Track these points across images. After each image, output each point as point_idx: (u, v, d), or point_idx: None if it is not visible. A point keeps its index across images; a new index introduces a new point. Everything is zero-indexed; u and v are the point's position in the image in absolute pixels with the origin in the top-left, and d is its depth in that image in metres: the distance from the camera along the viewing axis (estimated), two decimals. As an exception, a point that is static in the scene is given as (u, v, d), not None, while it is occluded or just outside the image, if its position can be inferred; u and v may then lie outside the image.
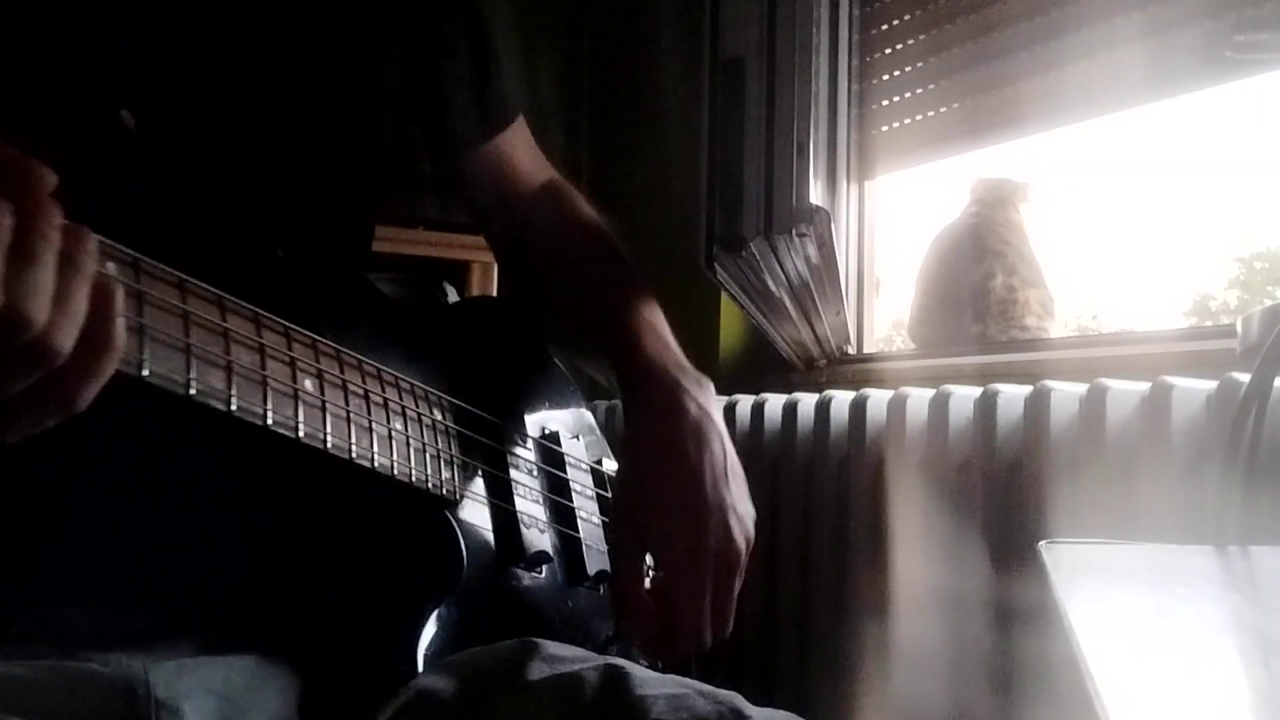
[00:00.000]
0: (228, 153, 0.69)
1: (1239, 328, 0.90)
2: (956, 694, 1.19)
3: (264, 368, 0.60)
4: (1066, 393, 1.19)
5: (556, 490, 0.90)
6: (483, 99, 0.95)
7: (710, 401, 0.86)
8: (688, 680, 0.68)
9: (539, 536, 0.84)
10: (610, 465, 0.99)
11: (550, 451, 0.92)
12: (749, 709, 0.66)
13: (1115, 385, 1.14)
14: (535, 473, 0.88)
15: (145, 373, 0.52)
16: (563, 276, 0.96)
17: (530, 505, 0.85)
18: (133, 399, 0.51)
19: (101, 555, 0.63)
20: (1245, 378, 0.85)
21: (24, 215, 0.44)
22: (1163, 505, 1.05)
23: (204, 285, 0.58)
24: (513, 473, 0.85)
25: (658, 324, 0.90)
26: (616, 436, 0.94)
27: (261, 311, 0.62)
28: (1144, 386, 1.12)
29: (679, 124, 1.92)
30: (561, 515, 0.89)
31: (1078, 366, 1.34)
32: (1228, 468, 0.84)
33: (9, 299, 0.43)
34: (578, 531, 0.89)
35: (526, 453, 0.88)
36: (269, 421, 0.60)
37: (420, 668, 0.69)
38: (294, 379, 0.63)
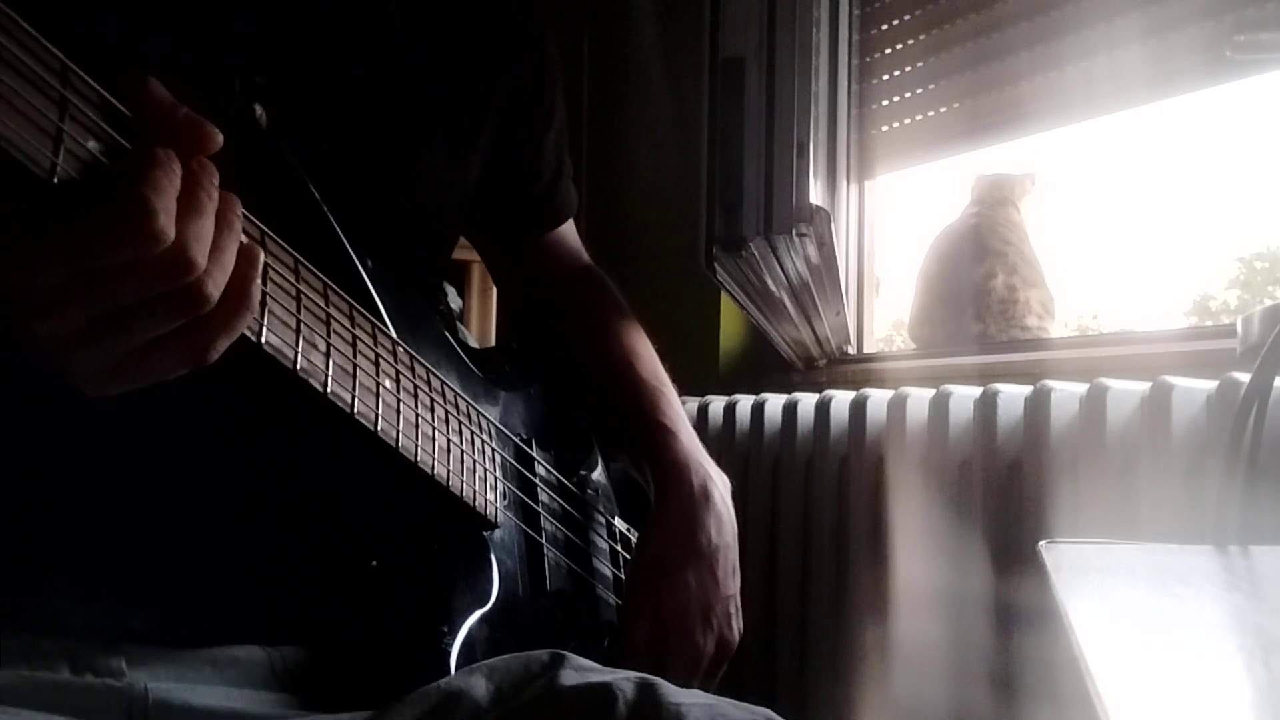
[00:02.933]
0: (340, 161, 0.72)
1: (1239, 328, 0.90)
2: (956, 694, 1.19)
3: (354, 358, 0.62)
4: (1067, 393, 1.19)
5: (577, 534, 0.91)
6: (555, 193, 1.00)
7: (729, 499, 0.93)
8: (716, 695, 0.68)
9: (560, 575, 0.86)
10: (621, 523, 1.01)
11: (574, 496, 0.93)
12: None
13: (1115, 385, 1.14)
14: (560, 514, 0.90)
15: (263, 339, 0.55)
16: (601, 362, 0.99)
17: (554, 543, 0.87)
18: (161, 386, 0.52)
19: (115, 550, 0.63)
20: (1245, 378, 0.85)
21: (191, 170, 0.49)
22: (1163, 505, 1.05)
23: (313, 269, 0.60)
24: (542, 508, 0.86)
25: (685, 416, 0.95)
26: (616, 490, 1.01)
27: (356, 305, 0.64)
28: (1144, 386, 1.12)
29: (679, 124, 1.92)
30: (579, 559, 0.90)
31: (1078, 366, 1.34)
32: (1228, 467, 0.84)
33: (178, 242, 0.47)
34: (592, 576, 0.91)
35: (555, 492, 0.90)
36: (355, 410, 0.61)
37: (453, 673, 0.69)
38: (377, 374, 0.64)
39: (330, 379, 0.59)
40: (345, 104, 0.75)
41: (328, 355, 0.59)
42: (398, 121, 0.79)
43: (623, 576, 0.97)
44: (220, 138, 0.50)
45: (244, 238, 0.53)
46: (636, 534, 1.03)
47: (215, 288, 0.49)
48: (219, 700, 0.64)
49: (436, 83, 0.82)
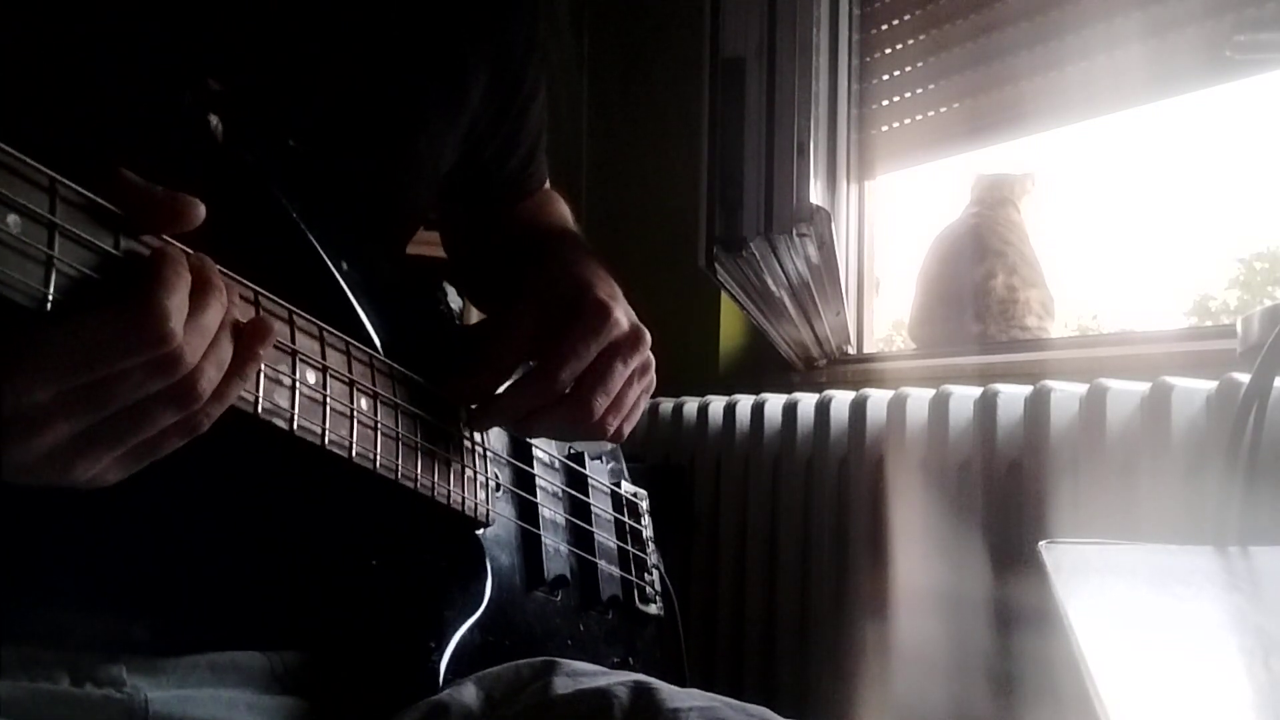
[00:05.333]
0: (311, 159, 0.69)
1: (1239, 328, 0.90)
2: (956, 694, 1.19)
3: (324, 388, 0.61)
4: (1066, 393, 1.19)
5: (577, 513, 0.91)
6: (530, 165, 0.96)
7: None
8: (714, 695, 0.68)
9: (559, 560, 0.85)
10: (628, 487, 1.00)
11: (574, 473, 0.93)
12: None
13: (1115, 385, 1.14)
14: (560, 495, 0.89)
15: None
16: (507, 237, 0.94)
17: (553, 529, 0.86)
18: None
19: (114, 560, 0.62)
20: (1245, 378, 0.85)
21: (194, 266, 0.49)
22: (1163, 505, 1.05)
23: (277, 300, 0.59)
24: (539, 495, 0.85)
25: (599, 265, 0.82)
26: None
27: (326, 328, 0.63)
28: (1144, 386, 1.12)
29: (679, 124, 1.92)
30: (580, 539, 0.90)
31: (1078, 366, 1.34)
32: (1228, 468, 0.84)
33: (180, 343, 0.47)
34: (595, 556, 0.90)
35: (553, 474, 0.89)
36: (326, 441, 0.61)
37: (441, 687, 0.69)
38: (351, 399, 0.64)
39: (297, 416, 0.59)
40: (314, 96, 0.72)
41: (293, 390, 0.59)
42: (373, 108, 0.76)
43: (628, 548, 0.96)
44: (202, 209, 0.50)
45: (240, 314, 0.53)
46: (645, 498, 1.03)
47: (209, 383, 0.49)
48: (219, 710, 0.63)
49: (416, 60, 0.78)
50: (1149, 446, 1.09)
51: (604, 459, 0.98)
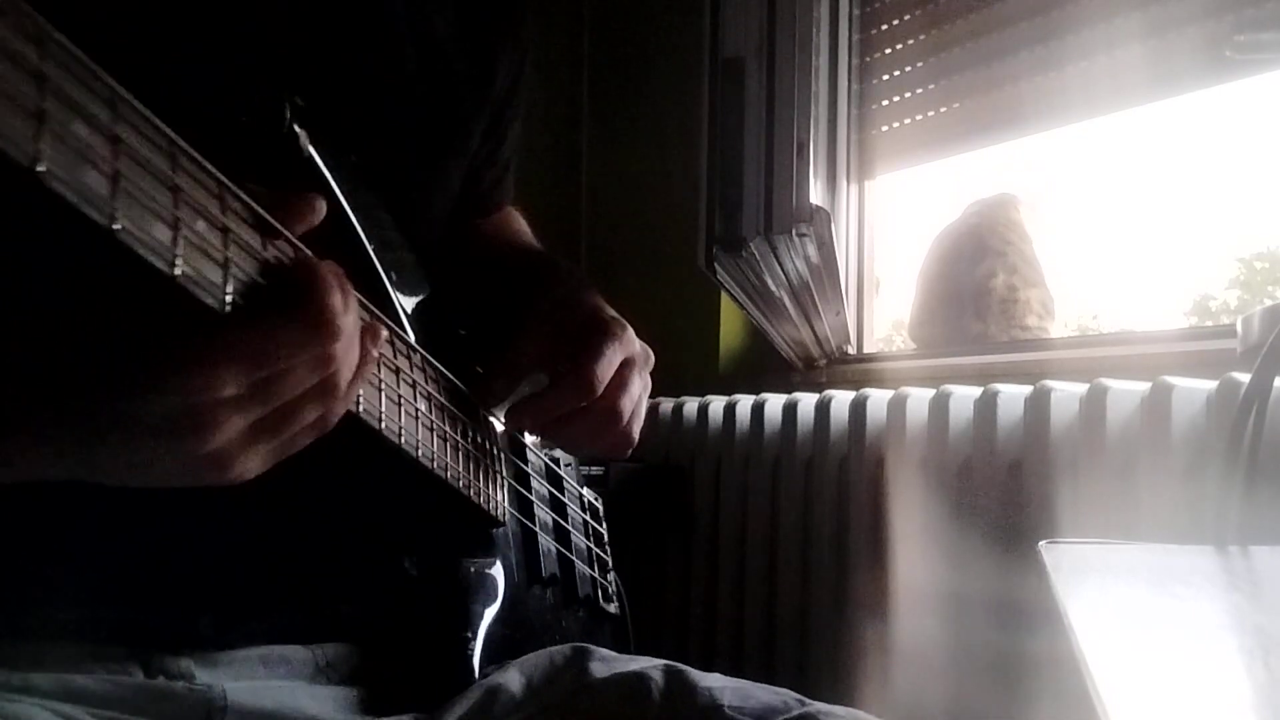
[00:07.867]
0: (366, 174, 0.72)
1: (1239, 328, 0.90)
2: (957, 693, 1.19)
3: (398, 387, 0.65)
4: (1067, 393, 1.19)
5: (558, 513, 0.93)
6: (502, 181, 0.99)
7: None
8: (742, 680, 0.71)
9: (552, 559, 0.88)
10: (588, 491, 1.03)
11: (553, 474, 0.94)
12: (808, 700, 0.71)
13: (1115, 385, 1.14)
14: (546, 496, 0.91)
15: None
16: (478, 250, 0.97)
17: (544, 528, 0.88)
18: None
19: (172, 556, 0.63)
20: (1245, 378, 0.85)
21: (335, 273, 0.52)
22: (1163, 505, 1.05)
23: (368, 305, 0.61)
24: (534, 495, 0.87)
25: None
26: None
27: (394, 328, 0.66)
28: (1144, 386, 1.12)
29: (679, 124, 1.92)
30: (562, 538, 0.92)
31: (1078, 366, 1.34)
32: (1228, 468, 0.84)
33: (345, 342, 0.51)
34: (572, 554, 0.92)
35: (540, 475, 0.91)
36: (403, 441, 0.64)
37: (477, 675, 0.71)
38: (414, 398, 0.67)
39: (383, 414, 0.62)
40: (371, 117, 0.76)
41: (380, 390, 0.61)
42: (418, 130, 0.80)
43: (594, 548, 0.99)
44: (324, 206, 0.54)
45: (366, 316, 0.57)
46: (600, 501, 1.05)
47: (345, 381, 0.53)
48: (285, 698, 0.65)
49: (446, 89, 0.82)
50: (1149, 446, 1.09)
51: (573, 464, 1.00)
